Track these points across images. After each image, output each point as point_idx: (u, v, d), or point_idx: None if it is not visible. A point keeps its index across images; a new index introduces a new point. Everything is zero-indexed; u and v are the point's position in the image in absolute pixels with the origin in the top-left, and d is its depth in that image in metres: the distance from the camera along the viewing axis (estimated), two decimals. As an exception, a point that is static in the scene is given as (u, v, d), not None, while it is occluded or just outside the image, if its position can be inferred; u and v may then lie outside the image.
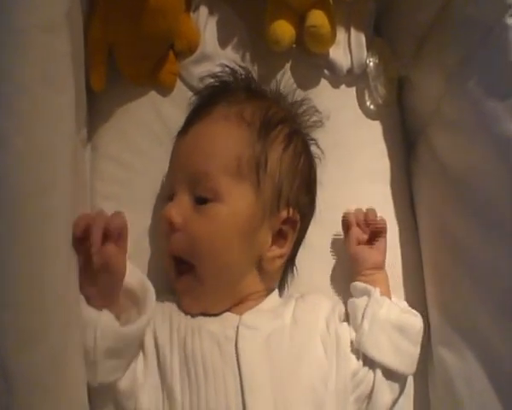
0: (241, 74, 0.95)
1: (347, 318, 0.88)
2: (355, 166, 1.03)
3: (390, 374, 0.83)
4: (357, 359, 0.82)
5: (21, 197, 0.59)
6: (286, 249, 0.87)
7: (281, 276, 0.92)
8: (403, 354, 0.83)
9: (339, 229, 0.98)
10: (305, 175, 0.90)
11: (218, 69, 0.96)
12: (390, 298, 0.89)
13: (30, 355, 0.58)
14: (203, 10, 1.03)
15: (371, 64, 1.07)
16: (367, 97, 1.07)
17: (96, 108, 0.97)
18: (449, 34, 0.92)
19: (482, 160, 0.82)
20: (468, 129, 0.86)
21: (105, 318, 0.72)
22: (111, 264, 0.72)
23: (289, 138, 0.87)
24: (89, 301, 0.72)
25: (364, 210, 0.96)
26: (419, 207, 1.02)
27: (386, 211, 1.00)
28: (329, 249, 0.98)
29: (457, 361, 0.82)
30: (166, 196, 0.88)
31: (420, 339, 0.86)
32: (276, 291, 0.89)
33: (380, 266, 0.93)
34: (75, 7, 0.76)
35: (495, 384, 0.75)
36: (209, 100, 0.91)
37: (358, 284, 0.90)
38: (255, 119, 0.85)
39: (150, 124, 0.99)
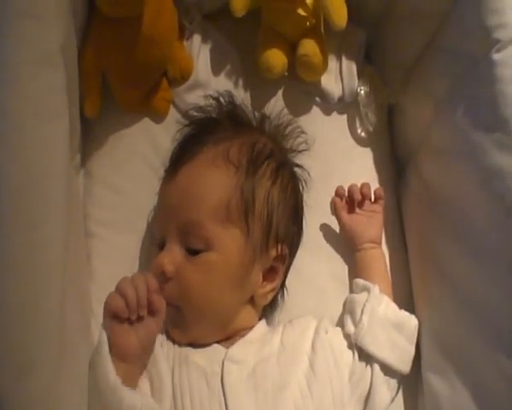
0: (225, 101, 0.95)
1: (340, 320, 0.91)
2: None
3: (387, 370, 0.85)
4: (353, 354, 0.84)
5: (15, 227, 0.59)
6: (277, 283, 0.88)
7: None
8: (399, 350, 0.86)
9: (328, 254, 1.00)
10: (292, 205, 0.91)
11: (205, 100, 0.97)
12: (388, 280, 0.95)
13: (22, 386, 0.58)
14: (196, 38, 1.04)
15: (362, 92, 1.08)
16: (358, 125, 1.09)
17: (90, 134, 0.99)
18: (437, 64, 0.94)
19: (469, 189, 0.82)
20: (456, 158, 0.87)
21: (148, 401, 0.73)
22: (162, 309, 0.76)
23: (276, 173, 0.88)
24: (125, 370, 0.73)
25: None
26: (409, 233, 1.03)
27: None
28: (319, 275, 0.98)
29: (447, 389, 0.82)
30: (157, 241, 0.88)
31: (415, 338, 0.89)
32: (264, 320, 0.90)
33: (376, 241, 0.97)
34: (70, 38, 0.77)
35: (484, 414, 0.75)
36: (196, 138, 0.91)
37: (359, 281, 0.93)
38: (242, 158, 0.85)
39: (143, 150, 1.00)
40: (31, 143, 0.62)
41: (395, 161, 1.11)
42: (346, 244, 1.01)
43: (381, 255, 0.97)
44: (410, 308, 0.95)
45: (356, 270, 0.97)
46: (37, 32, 0.65)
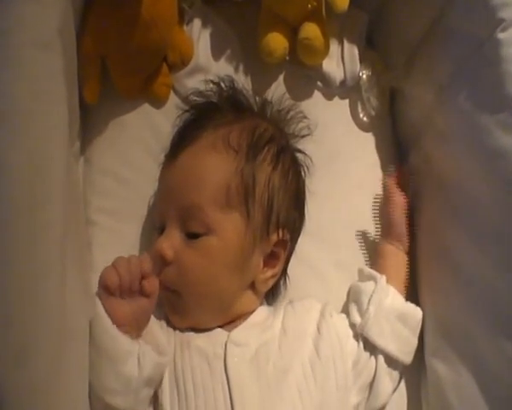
0: (226, 86, 0.95)
1: (345, 307, 0.91)
2: (348, 177, 1.03)
3: (391, 362, 0.85)
4: (358, 344, 0.85)
5: (14, 212, 0.58)
6: (278, 268, 0.87)
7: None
8: (403, 342, 0.86)
9: (330, 239, 0.99)
10: (293, 190, 0.90)
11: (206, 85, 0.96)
12: (404, 283, 0.92)
13: (21, 373, 0.57)
14: (196, 23, 1.03)
15: (364, 76, 1.07)
16: (360, 109, 1.08)
17: (90, 121, 0.98)
18: (440, 47, 0.93)
19: (473, 171, 0.82)
20: (460, 140, 0.86)
21: (146, 348, 0.75)
22: (154, 293, 0.77)
23: (277, 158, 0.87)
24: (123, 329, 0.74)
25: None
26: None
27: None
28: (322, 261, 0.98)
29: (450, 373, 0.82)
30: (157, 226, 0.87)
31: (419, 329, 0.89)
32: (265, 303, 0.90)
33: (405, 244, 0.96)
34: (68, 22, 0.76)
35: (486, 397, 0.75)
36: (196, 123, 0.90)
37: (365, 269, 0.93)
38: (242, 143, 0.85)
39: (143, 136, 1.00)
40: (30, 127, 0.61)
41: (398, 146, 1.10)
42: (348, 230, 1.00)
43: (405, 261, 0.95)
44: (413, 294, 0.94)
45: (379, 260, 0.95)
46: (37, 14, 0.65)
